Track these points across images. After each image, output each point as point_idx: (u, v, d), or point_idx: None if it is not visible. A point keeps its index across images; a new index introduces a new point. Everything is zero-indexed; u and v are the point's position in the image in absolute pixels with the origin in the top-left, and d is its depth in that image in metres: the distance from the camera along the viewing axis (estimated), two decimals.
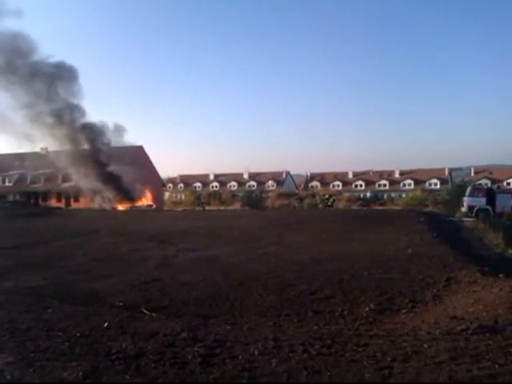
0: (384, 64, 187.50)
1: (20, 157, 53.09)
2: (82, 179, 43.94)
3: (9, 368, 4.11)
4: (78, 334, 5.22)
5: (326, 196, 47.53)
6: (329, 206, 40.88)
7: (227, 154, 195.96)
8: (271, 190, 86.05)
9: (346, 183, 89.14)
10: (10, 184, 57.53)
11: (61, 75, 43.41)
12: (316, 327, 5.94)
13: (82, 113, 44.85)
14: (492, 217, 24.36)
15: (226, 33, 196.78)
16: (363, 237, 14.45)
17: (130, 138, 72.17)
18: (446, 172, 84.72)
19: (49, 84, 43.28)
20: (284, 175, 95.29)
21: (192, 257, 12.16)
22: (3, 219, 25.94)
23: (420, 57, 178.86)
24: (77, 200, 49.77)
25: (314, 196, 70.85)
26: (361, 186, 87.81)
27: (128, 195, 43.27)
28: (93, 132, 44.77)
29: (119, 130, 46.63)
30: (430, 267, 9.68)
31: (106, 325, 5.69)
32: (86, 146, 44.81)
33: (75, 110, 44.31)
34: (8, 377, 3.89)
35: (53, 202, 50.99)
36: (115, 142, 46.05)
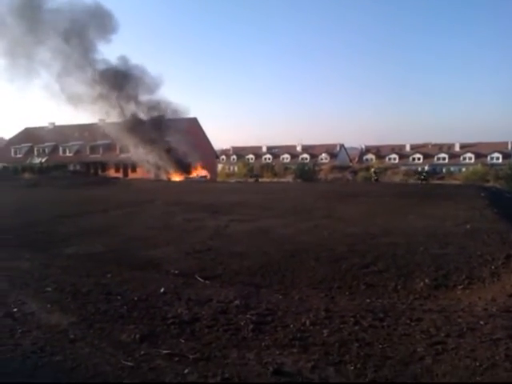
0: (442, 39, 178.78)
1: (80, 128, 54.74)
2: (138, 150, 44.83)
3: (72, 328, 4.36)
4: (135, 299, 5.45)
5: (373, 169, 46.53)
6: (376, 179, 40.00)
7: (280, 127, 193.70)
8: (324, 163, 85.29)
9: (402, 156, 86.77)
10: (71, 154, 59.74)
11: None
12: (368, 300, 5.90)
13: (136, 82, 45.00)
14: None
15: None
16: (419, 211, 14.09)
17: (182, 107, 71.72)
18: (509, 146, 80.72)
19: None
20: (338, 148, 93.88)
21: (244, 227, 12.28)
22: (65, 188, 27.11)
23: (477, 31, 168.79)
24: (134, 170, 51.05)
25: (368, 169, 69.79)
26: (418, 159, 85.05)
27: (183, 166, 43.93)
28: (148, 102, 45.16)
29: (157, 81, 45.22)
30: (488, 244, 9.33)
31: (162, 290, 5.90)
32: (142, 117, 45.42)
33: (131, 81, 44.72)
34: (71, 336, 4.13)
35: (111, 172, 52.67)
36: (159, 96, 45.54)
